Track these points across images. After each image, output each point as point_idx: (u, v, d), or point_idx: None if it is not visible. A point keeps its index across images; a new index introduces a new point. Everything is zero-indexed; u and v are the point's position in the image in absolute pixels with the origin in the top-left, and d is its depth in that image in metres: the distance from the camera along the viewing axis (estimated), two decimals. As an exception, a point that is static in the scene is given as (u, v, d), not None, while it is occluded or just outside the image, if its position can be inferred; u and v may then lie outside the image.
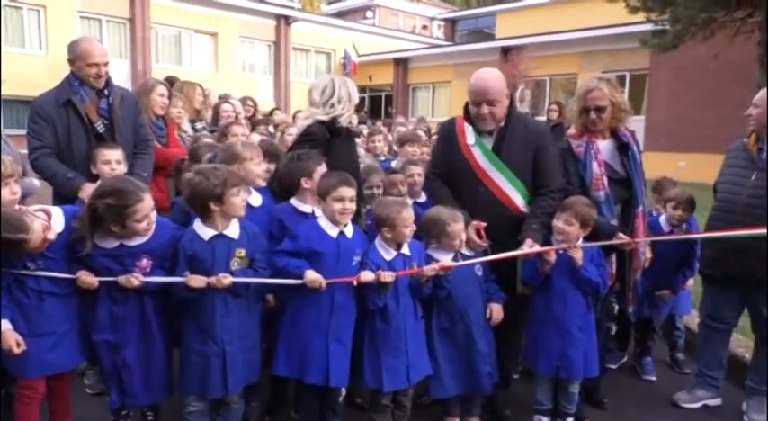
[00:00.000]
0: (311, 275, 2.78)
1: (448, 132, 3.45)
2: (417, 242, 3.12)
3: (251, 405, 3.16)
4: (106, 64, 3.64)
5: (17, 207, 2.66)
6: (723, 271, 3.46)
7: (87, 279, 2.63)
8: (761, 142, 3.36)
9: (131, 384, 2.74)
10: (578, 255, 3.12)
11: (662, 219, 4.06)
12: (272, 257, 2.89)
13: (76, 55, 3.58)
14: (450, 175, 3.38)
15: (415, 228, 3.02)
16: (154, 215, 2.70)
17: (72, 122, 3.54)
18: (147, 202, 2.64)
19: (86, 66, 3.56)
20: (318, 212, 3.05)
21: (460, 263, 3.04)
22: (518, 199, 3.26)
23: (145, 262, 2.71)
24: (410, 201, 3.58)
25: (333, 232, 2.92)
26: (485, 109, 3.20)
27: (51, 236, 2.56)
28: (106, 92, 3.68)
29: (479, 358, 3.10)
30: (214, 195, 2.67)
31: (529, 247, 3.05)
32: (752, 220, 3.20)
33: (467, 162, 3.28)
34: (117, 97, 3.71)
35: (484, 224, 3.16)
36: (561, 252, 3.16)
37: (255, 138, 5.39)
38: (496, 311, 3.18)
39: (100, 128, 3.61)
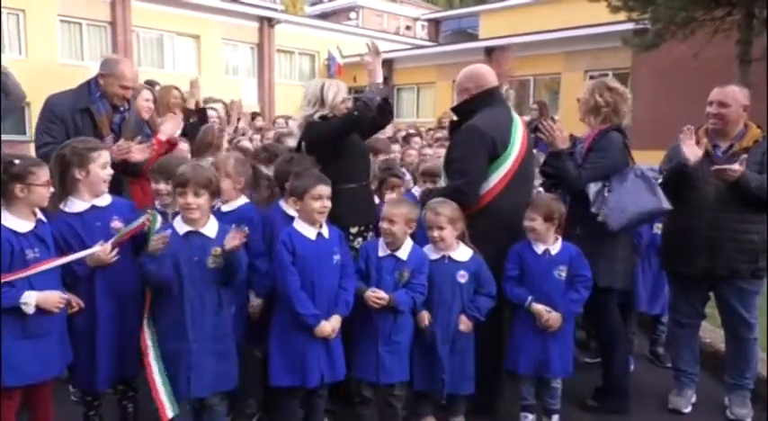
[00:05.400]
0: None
1: None
2: (421, 250, 3.13)
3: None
4: (133, 87, 3.79)
5: None
6: (688, 269, 3.50)
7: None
8: (712, 139, 3.44)
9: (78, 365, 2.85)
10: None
11: None
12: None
13: (111, 73, 3.67)
14: None
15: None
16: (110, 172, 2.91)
17: (85, 130, 3.59)
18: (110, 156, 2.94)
19: (118, 86, 3.68)
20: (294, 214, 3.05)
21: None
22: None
23: (117, 223, 2.83)
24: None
25: (311, 234, 2.94)
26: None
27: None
28: (122, 109, 3.79)
29: (437, 364, 3.11)
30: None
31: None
32: (721, 216, 3.32)
33: None
34: (132, 117, 3.86)
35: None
36: (549, 254, 3.24)
37: (246, 144, 5.37)
38: (464, 324, 3.14)
39: (108, 141, 3.66)
